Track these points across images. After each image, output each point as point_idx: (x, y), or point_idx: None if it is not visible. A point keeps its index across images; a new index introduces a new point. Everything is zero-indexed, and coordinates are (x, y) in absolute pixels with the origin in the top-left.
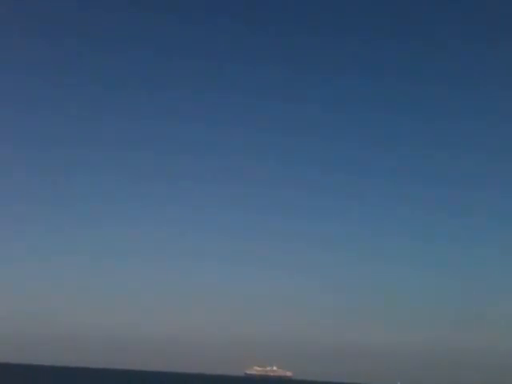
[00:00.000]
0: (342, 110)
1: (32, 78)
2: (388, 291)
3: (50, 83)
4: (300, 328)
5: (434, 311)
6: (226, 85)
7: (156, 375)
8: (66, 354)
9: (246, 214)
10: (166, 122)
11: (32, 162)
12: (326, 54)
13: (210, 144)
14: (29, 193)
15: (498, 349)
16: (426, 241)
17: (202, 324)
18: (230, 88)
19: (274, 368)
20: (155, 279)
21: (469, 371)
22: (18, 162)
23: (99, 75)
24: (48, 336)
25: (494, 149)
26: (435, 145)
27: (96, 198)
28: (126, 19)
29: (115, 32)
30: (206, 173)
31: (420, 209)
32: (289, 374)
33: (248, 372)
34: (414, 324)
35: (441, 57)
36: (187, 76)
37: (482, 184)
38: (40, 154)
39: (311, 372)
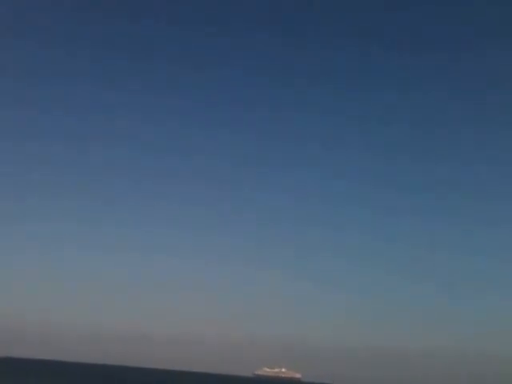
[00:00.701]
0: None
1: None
2: (400, 294)
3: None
4: (310, 330)
5: (445, 317)
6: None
7: (167, 373)
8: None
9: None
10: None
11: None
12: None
13: (212, 145)
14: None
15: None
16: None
17: (214, 324)
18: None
19: (283, 369)
20: (168, 278)
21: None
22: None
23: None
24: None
25: None
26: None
27: (90, 194)
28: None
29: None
30: (206, 172)
31: (421, 219)
32: (298, 375)
33: (257, 373)
34: (428, 329)
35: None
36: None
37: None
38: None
39: (320, 374)
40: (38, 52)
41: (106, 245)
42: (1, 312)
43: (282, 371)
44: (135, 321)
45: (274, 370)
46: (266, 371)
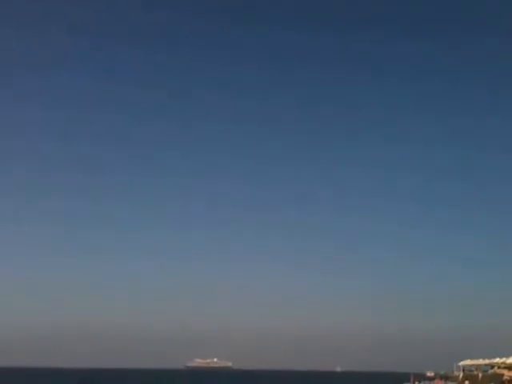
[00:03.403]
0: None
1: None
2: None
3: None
4: (238, 319)
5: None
6: None
7: (95, 372)
8: None
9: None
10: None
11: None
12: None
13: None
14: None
15: None
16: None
17: (144, 318)
18: None
19: (215, 359)
20: (96, 274)
21: None
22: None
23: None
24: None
25: None
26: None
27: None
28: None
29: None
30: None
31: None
32: (229, 364)
33: (189, 364)
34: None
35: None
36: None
37: None
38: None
39: (250, 361)
40: None
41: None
42: None
43: (214, 361)
44: (69, 319)
45: (206, 361)
46: (198, 362)
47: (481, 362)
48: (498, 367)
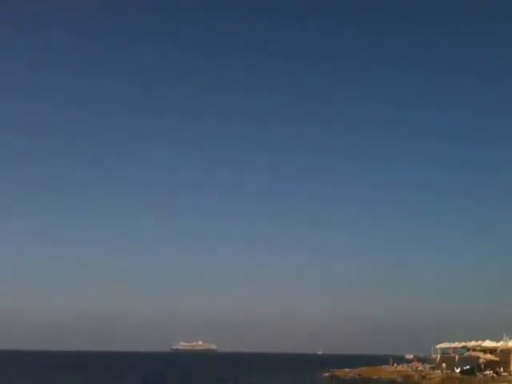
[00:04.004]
0: None
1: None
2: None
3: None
4: (223, 303)
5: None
6: None
7: (82, 355)
8: None
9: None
10: None
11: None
12: None
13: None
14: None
15: None
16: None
17: (127, 302)
18: None
19: (200, 342)
20: (81, 259)
21: None
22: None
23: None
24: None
25: None
26: None
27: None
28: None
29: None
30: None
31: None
32: (213, 347)
33: (174, 347)
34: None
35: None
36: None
37: None
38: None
39: (234, 344)
40: None
41: None
42: None
43: (199, 344)
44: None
45: (191, 344)
46: (183, 345)
47: (457, 345)
48: (474, 350)
